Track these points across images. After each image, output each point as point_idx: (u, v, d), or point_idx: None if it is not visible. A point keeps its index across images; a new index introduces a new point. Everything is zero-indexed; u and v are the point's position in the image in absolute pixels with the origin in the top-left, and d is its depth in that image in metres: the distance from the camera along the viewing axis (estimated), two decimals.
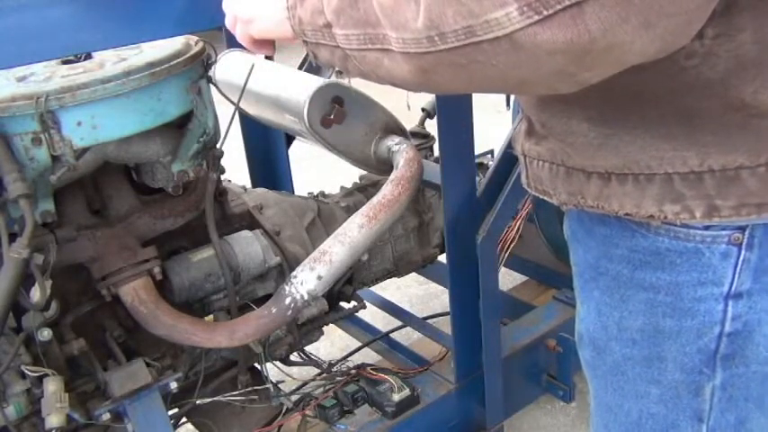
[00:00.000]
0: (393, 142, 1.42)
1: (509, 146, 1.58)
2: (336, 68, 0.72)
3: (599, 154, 0.72)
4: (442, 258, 1.84)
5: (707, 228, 0.70)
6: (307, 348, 1.72)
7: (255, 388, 1.49)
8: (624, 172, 0.71)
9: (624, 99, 0.68)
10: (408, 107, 1.80)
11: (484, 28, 0.53)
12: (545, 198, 0.83)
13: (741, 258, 0.70)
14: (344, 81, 1.34)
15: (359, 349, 2.02)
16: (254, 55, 1.27)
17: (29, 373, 1.16)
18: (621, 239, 0.77)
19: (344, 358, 1.91)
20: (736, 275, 0.71)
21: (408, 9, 0.57)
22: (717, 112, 0.64)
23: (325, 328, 1.70)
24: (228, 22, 0.89)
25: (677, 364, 0.78)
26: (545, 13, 0.50)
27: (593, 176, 0.74)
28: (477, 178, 1.60)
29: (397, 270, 1.87)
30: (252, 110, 1.50)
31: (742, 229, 0.69)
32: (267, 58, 1.48)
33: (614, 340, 0.82)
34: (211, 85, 1.28)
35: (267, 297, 1.37)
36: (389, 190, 1.30)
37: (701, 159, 0.67)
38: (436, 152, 1.75)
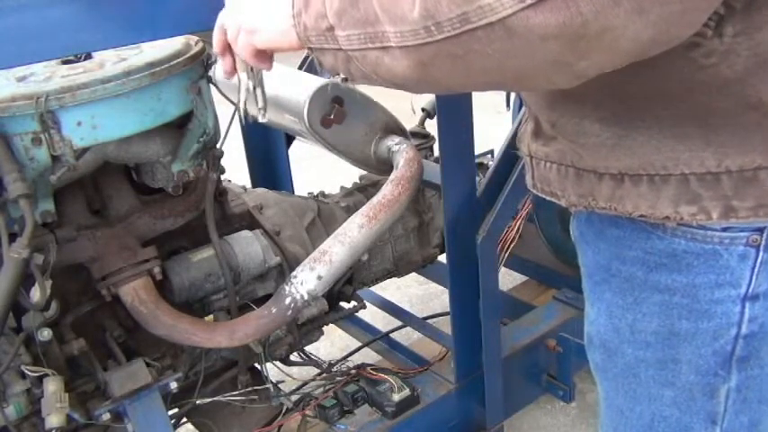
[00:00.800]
0: (393, 142, 1.42)
1: (509, 146, 1.58)
2: (341, 74, 0.72)
3: (612, 155, 0.72)
4: (442, 258, 1.84)
5: (725, 229, 0.69)
6: (307, 348, 1.72)
7: (255, 388, 1.49)
8: (639, 173, 0.71)
9: (639, 99, 0.68)
10: (413, 111, 1.80)
11: (478, 14, 0.53)
12: (553, 200, 0.83)
13: (759, 260, 0.70)
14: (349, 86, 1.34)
15: (359, 349, 2.02)
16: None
17: (29, 373, 1.16)
18: (635, 241, 0.76)
19: (344, 358, 1.91)
20: (754, 277, 0.71)
21: (405, 2, 0.58)
22: (734, 112, 0.64)
23: (325, 328, 1.70)
24: (231, 35, 0.88)
25: (692, 367, 0.77)
26: None
27: (606, 177, 0.74)
28: (477, 178, 1.60)
29: (397, 270, 1.87)
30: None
31: (760, 230, 0.69)
32: None
33: (627, 343, 0.82)
34: (211, 85, 1.29)
35: (267, 297, 1.37)
36: (389, 190, 1.30)
37: (718, 160, 0.66)
38: (436, 152, 1.75)
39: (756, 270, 0.71)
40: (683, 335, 0.76)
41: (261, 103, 1.03)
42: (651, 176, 0.70)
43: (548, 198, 0.84)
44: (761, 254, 0.70)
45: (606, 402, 0.91)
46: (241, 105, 1.04)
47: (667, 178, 0.69)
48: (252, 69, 0.99)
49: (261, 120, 1.05)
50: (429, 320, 2.10)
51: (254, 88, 1.01)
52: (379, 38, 0.62)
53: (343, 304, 1.77)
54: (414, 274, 2.10)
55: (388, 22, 0.60)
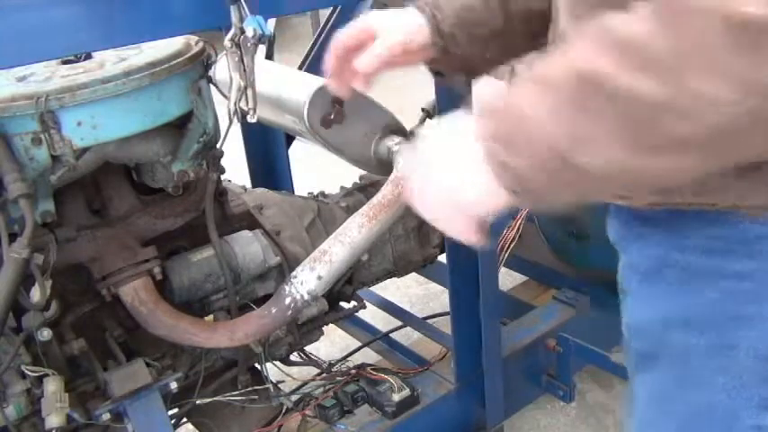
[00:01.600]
0: (393, 142, 1.42)
1: None
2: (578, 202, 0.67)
3: None
4: (442, 258, 1.84)
5: None
6: (307, 348, 1.72)
7: (255, 388, 1.49)
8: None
9: None
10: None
11: None
12: (620, 203, 0.81)
13: None
14: None
15: (359, 349, 2.02)
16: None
17: (29, 373, 1.16)
18: (696, 230, 0.76)
19: (344, 358, 1.91)
20: None
21: (706, 85, 0.53)
22: None
23: (325, 328, 1.70)
24: (429, 214, 0.76)
25: (751, 352, 0.77)
26: None
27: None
28: None
29: (397, 270, 1.87)
30: None
31: None
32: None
33: (679, 330, 0.81)
34: (211, 85, 1.29)
35: (267, 297, 1.37)
36: (389, 190, 1.30)
37: None
38: None
39: None
40: (748, 319, 0.76)
41: (251, 104, 1.03)
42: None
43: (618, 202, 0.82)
44: None
45: (647, 393, 0.89)
46: (232, 105, 1.04)
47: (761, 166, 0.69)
48: (244, 70, 0.99)
49: (250, 119, 1.05)
50: (429, 320, 2.10)
51: (246, 88, 1.01)
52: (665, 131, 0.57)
53: (343, 304, 1.77)
54: (414, 274, 2.10)
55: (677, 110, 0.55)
